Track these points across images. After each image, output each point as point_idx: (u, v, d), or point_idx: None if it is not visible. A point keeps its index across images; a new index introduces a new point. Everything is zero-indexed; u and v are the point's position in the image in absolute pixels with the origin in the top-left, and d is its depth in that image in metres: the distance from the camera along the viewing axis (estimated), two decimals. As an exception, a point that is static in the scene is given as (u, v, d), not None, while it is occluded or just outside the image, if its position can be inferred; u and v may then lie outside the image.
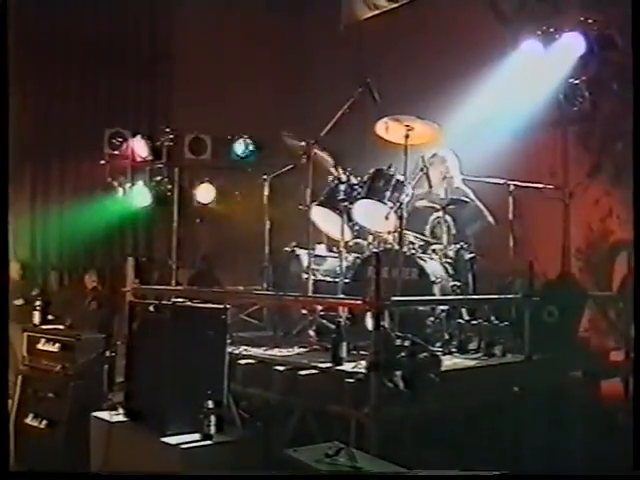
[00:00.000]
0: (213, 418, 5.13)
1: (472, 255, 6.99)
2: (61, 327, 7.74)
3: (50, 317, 8.45)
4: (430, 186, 7.13)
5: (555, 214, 7.92)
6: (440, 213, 7.03)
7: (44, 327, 7.78)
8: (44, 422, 7.11)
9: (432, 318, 6.44)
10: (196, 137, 9.82)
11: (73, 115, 11.84)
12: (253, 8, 9.27)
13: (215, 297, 6.48)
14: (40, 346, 7.42)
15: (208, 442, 5.10)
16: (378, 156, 7.26)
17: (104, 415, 5.85)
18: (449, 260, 6.86)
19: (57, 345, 7.28)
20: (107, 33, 12.05)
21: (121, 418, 5.76)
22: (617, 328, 7.28)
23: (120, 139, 9.73)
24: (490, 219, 7.34)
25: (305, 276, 7.03)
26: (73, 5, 11.72)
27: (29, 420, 7.24)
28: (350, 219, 7.13)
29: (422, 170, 7.00)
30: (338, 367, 5.61)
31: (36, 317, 7.98)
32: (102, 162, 10.00)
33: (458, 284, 6.73)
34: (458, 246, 6.98)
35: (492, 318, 6.67)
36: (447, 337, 6.48)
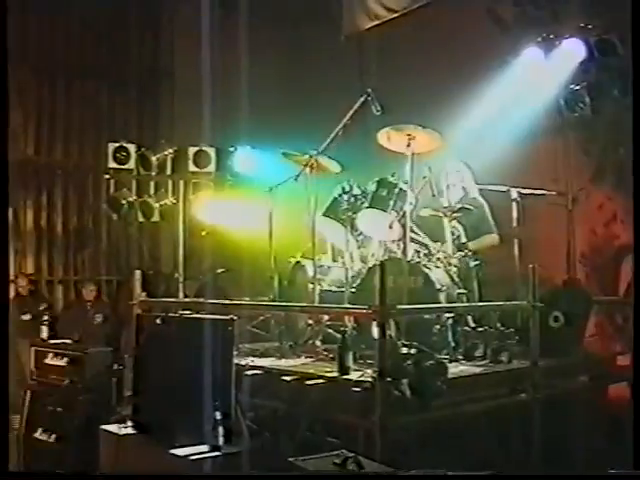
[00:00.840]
0: (221, 429, 5.13)
1: (477, 262, 7.00)
2: (69, 341, 7.76)
3: (57, 331, 8.48)
4: (433, 194, 7.14)
5: (559, 220, 7.94)
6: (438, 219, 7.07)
7: (52, 342, 7.79)
8: (53, 436, 7.12)
9: (438, 326, 6.45)
10: (200, 150, 9.85)
11: (77, 130, 11.95)
12: (254, 20, 9.30)
13: (222, 309, 6.49)
14: (48, 361, 7.44)
15: (216, 453, 5.10)
16: (381, 165, 7.29)
17: (113, 428, 5.87)
18: (454, 268, 6.87)
19: (65, 359, 7.29)
20: (110, 50, 12.18)
21: (130, 431, 5.78)
22: (624, 333, 7.28)
23: (124, 153, 9.76)
24: (495, 237, 7.33)
25: (311, 286, 7.05)
26: (75, 21, 11.84)
27: (38, 434, 7.26)
28: (354, 229, 7.17)
29: (425, 178, 7.02)
30: (345, 376, 5.62)
31: (44, 332, 8.00)
32: (106, 176, 10.04)
33: (464, 291, 6.73)
34: (463, 253, 6.98)
35: (498, 325, 6.69)
36: (453, 344, 6.49)
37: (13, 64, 10.76)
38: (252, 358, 6.58)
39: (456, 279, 6.76)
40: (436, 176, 7.18)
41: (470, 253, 6.99)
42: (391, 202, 6.81)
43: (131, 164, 9.81)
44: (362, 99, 7.05)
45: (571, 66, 7.71)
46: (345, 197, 7.18)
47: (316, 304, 6.90)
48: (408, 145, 6.72)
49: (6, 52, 4.90)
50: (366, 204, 7.00)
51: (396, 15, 9.43)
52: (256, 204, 8.14)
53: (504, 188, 7.28)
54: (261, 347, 7.12)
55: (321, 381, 5.71)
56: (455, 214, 7.00)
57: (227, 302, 7.27)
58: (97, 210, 11.80)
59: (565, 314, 6.74)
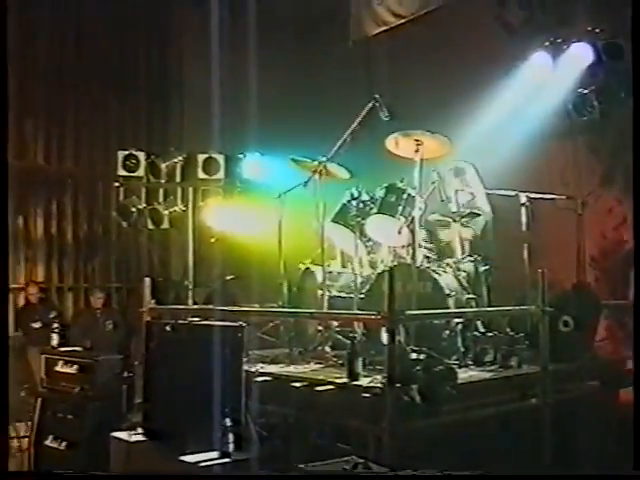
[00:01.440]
0: (231, 436, 5.14)
1: (486, 267, 6.99)
2: (79, 349, 7.78)
3: (68, 339, 8.50)
4: (442, 199, 7.13)
5: (569, 224, 7.92)
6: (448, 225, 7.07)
7: (62, 349, 7.81)
8: (64, 443, 7.13)
9: (447, 331, 6.45)
10: (209, 157, 9.87)
11: (86, 138, 12.00)
12: (262, 27, 9.33)
13: (231, 315, 6.50)
14: (58, 368, 7.45)
15: (226, 460, 5.11)
16: (390, 171, 7.29)
17: (123, 435, 5.89)
18: (463, 273, 6.86)
19: (75, 367, 7.30)
20: (119, 58, 12.23)
21: (140, 438, 5.79)
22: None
23: (134, 161, 9.80)
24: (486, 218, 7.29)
25: (320, 292, 7.06)
26: (85, 30, 11.89)
27: (49, 442, 7.27)
28: (363, 235, 7.17)
29: (433, 183, 7.02)
30: (354, 382, 5.62)
31: (54, 339, 8.02)
32: (116, 184, 10.08)
33: (473, 297, 6.73)
34: (472, 258, 6.98)
35: (507, 330, 6.68)
36: (463, 350, 6.48)
37: (23, 73, 10.89)
38: (262, 364, 6.58)
39: (465, 284, 6.76)
40: (444, 181, 7.16)
41: (479, 258, 6.99)
42: (400, 208, 6.81)
43: (140, 172, 9.85)
44: (370, 105, 7.06)
45: (579, 70, 7.73)
46: (354, 203, 7.18)
47: (325, 310, 6.91)
48: (416, 151, 6.72)
49: (6, 52, 4.92)
50: (375, 210, 7.00)
51: (404, 21, 9.45)
52: (265, 211, 8.15)
53: (513, 193, 7.27)
54: (271, 353, 7.12)
55: (331, 387, 5.70)
56: (464, 219, 7.00)
57: (236, 309, 7.28)
58: (107, 218, 11.83)
59: (575, 318, 6.72)
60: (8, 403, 5.08)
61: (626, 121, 7.34)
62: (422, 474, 4.15)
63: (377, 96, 7.06)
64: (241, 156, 9.97)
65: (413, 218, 6.63)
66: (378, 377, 5.44)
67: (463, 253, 7.06)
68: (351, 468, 4.27)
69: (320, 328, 7.04)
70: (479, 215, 7.09)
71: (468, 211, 7.04)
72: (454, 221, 7.04)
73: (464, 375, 5.92)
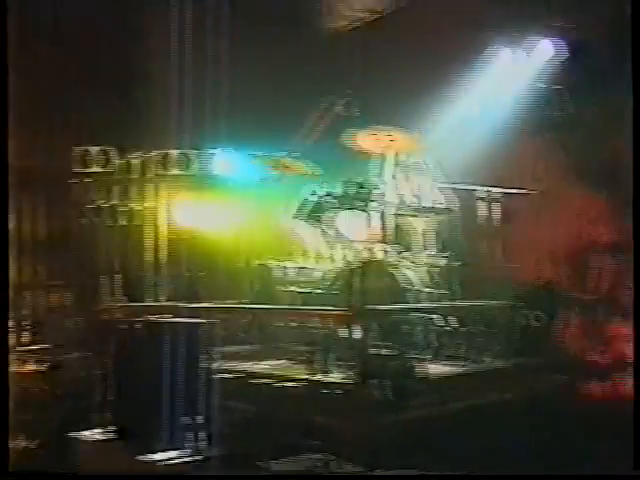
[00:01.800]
0: (198, 433, 5.11)
1: (454, 262, 6.97)
2: (45, 347, 7.70)
3: (36, 337, 8.42)
4: (410, 194, 7.09)
5: (540, 219, 7.93)
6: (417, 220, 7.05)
7: (29, 348, 7.73)
8: (30, 442, 7.05)
9: (419, 326, 6.42)
10: (178, 152, 9.80)
11: (54, 133, 11.89)
12: (230, 23, 9.29)
13: (196, 312, 6.45)
14: (27, 366, 7.38)
15: (194, 457, 5.06)
16: (359, 166, 7.26)
17: (89, 434, 5.83)
18: (433, 268, 6.84)
19: (44, 365, 7.24)
20: (87, 52, 12.13)
21: (106, 437, 5.74)
22: (603, 331, 7.28)
23: (104, 156, 9.71)
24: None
25: (284, 288, 7.01)
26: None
27: (17, 441, 7.19)
28: (328, 230, 7.12)
29: (399, 178, 6.98)
30: (323, 378, 5.58)
31: (23, 337, 7.94)
32: (86, 180, 9.98)
33: (442, 292, 6.71)
34: (441, 254, 6.97)
35: (478, 325, 6.67)
36: (435, 345, 6.46)
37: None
38: (227, 361, 6.50)
39: (435, 279, 6.74)
40: (408, 176, 7.13)
41: (448, 253, 6.97)
42: (365, 203, 6.77)
43: (110, 167, 9.77)
44: (341, 100, 7.03)
45: (550, 66, 7.75)
46: (323, 199, 7.15)
47: (293, 306, 6.86)
48: (386, 146, 6.69)
49: (6, 52, 4.86)
50: (340, 205, 6.97)
51: (376, 17, 9.43)
52: (229, 206, 8.10)
53: (484, 188, 7.27)
54: (239, 350, 7.05)
55: (299, 383, 5.67)
56: (429, 213, 6.98)
57: (204, 305, 7.22)
58: (76, 214, 11.72)
59: (545, 313, 6.73)
60: (8, 403, 5.02)
61: (598, 117, 7.38)
62: (420, 474, 4.14)
63: (348, 91, 7.04)
64: (207, 152, 9.89)
65: (379, 213, 6.60)
66: (345, 373, 5.42)
67: (431, 248, 7.03)
68: (321, 465, 4.26)
69: (288, 324, 6.99)
70: (445, 210, 7.07)
71: (433, 206, 7.01)
72: (420, 216, 7.01)
73: (435, 370, 5.90)
